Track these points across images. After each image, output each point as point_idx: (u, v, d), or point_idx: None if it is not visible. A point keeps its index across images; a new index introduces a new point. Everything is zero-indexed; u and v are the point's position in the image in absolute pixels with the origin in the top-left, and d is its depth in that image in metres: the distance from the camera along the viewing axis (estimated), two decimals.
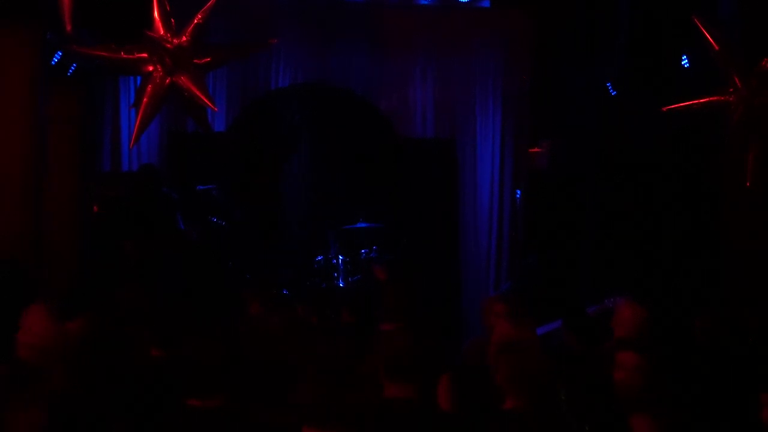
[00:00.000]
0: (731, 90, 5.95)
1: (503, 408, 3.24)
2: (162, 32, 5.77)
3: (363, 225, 8.68)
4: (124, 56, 5.83)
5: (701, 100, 6.09)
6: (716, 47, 5.95)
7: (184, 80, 5.78)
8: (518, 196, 9.04)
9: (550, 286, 7.90)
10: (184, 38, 5.80)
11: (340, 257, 8.53)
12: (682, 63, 7.50)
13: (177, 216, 7.75)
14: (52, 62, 7.08)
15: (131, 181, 7.93)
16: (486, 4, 8.95)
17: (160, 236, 7.47)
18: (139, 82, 6.25)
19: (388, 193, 9.22)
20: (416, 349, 3.38)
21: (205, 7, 5.87)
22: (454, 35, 8.94)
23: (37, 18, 6.34)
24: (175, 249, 7.53)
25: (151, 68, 5.81)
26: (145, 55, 5.79)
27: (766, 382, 3.80)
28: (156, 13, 5.77)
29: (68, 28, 5.14)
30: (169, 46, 5.74)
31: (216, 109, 6.44)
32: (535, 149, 9.32)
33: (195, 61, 5.87)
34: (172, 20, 5.83)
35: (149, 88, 5.83)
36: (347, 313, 5.33)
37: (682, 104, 6.21)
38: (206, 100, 5.93)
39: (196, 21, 5.83)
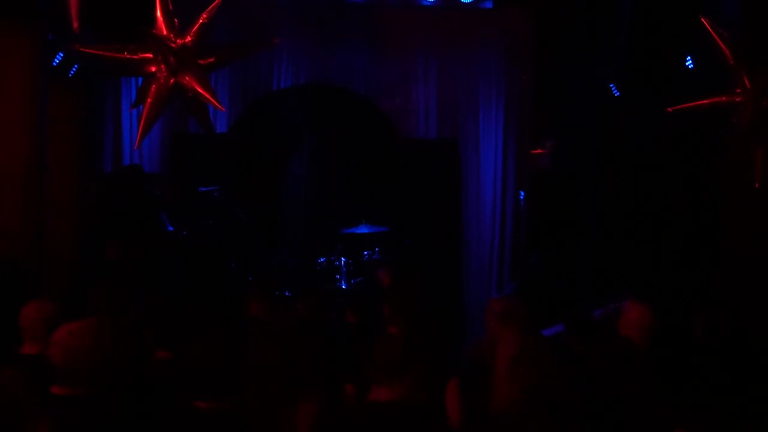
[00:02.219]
0: (739, 90, 5.91)
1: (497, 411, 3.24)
2: (165, 32, 5.75)
3: (366, 227, 8.65)
4: (128, 56, 5.79)
5: (709, 101, 6.03)
6: (725, 48, 5.91)
7: (188, 80, 5.75)
8: (522, 197, 9.03)
9: (553, 287, 7.88)
10: (188, 38, 5.78)
11: (343, 259, 8.51)
12: (686, 64, 7.48)
13: (162, 216, 7.71)
14: (54, 63, 7.07)
15: (115, 180, 7.90)
16: (488, 4, 8.95)
17: (143, 236, 7.43)
18: (140, 82, 6.23)
19: (390, 194, 9.19)
20: (402, 353, 3.36)
21: (211, 7, 5.84)
22: (454, 35, 8.92)
23: (37, 18, 6.33)
24: (159, 249, 7.49)
25: (154, 68, 5.78)
26: (149, 55, 5.76)
27: (766, 382, 3.81)
28: (159, 13, 5.75)
29: (75, 25, 5.11)
30: (173, 45, 5.72)
31: (222, 108, 6.43)
32: (538, 150, 9.31)
33: (199, 61, 5.85)
34: (176, 20, 5.81)
35: (153, 88, 5.79)
36: (350, 315, 5.33)
37: (689, 104, 6.13)
38: (212, 100, 5.90)
39: (201, 21, 5.80)
